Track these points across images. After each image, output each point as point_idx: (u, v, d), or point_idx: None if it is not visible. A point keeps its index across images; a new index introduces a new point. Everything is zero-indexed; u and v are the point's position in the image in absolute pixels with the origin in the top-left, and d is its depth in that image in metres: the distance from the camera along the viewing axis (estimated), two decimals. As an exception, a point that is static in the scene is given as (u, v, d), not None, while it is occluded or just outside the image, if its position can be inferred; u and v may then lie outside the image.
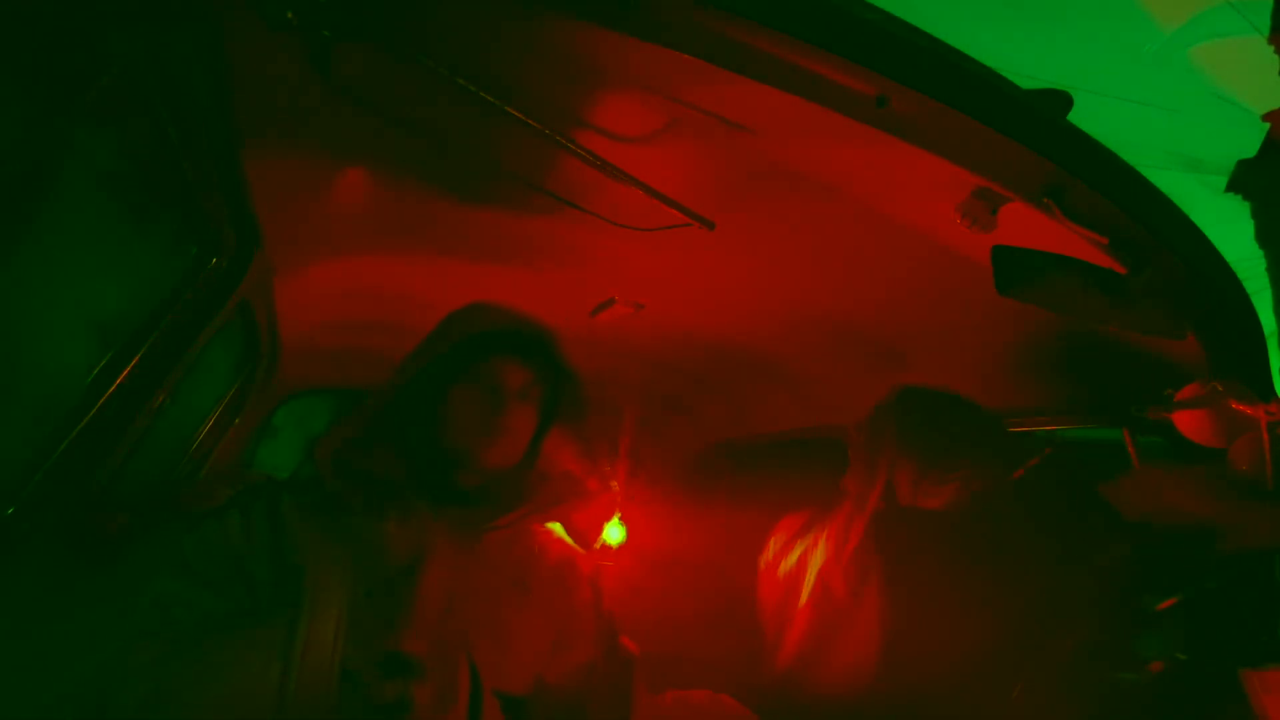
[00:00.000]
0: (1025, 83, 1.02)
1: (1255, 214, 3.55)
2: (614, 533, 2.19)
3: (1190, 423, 1.28)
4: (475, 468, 1.05)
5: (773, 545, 1.72)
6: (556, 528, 1.18)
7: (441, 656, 0.94)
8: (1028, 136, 0.96)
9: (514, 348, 1.07)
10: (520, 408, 1.07)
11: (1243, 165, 3.55)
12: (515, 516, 1.08)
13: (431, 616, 0.96)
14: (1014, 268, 1.12)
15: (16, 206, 0.86)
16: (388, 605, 0.94)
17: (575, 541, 1.19)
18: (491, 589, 1.04)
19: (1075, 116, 1.05)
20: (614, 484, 1.14)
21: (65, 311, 1.10)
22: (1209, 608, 1.37)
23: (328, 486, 1.01)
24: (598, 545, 2.15)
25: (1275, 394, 1.22)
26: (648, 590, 2.02)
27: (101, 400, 1.22)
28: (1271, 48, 3.53)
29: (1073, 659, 1.35)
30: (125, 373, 1.26)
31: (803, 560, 1.63)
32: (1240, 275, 1.23)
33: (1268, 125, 3.53)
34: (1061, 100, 1.06)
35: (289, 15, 0.85)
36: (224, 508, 0.99)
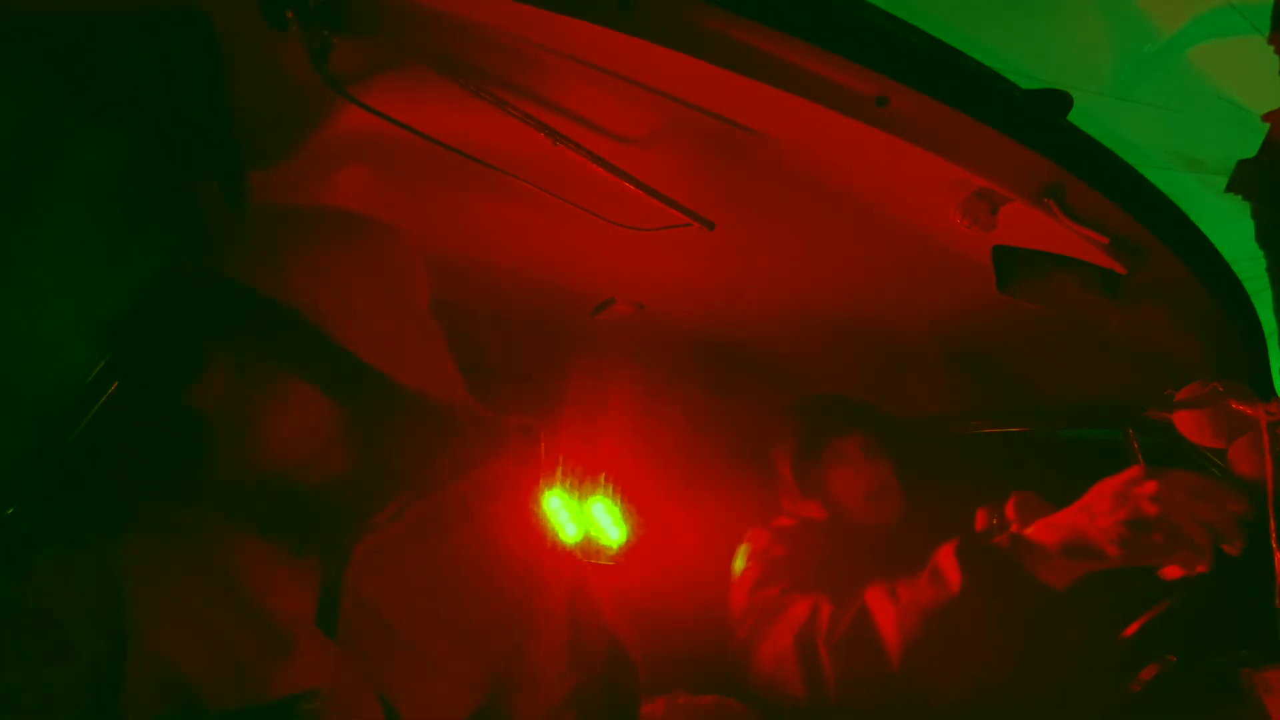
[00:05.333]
0: (1025, 83, 1.02)
1: (1255, 214, 3.56)
2: (613, 532, 2.18)
3: (1190, 423, 1.28)
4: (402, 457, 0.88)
5: (743, 556, 1.75)
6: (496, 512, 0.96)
7: (341, 697, 0.78)
8: (1028, 136, 0.96)
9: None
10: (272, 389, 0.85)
11: (1243, 165, 3.56)
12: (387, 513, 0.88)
13: (314, 638, 0.80)
14: (1014, 268, 1.13)
15: (16, 206, 0.85)
16: (248, 634, 0.78)
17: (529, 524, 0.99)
18: (394, 603, 0.85)
19: (1075, 116, 1.05)
20: (526, 424, 0.97)
21: (65, 311, 1.10)
22: (1208, 608, 1.37)
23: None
24: (586, 543, 2.13)
25: (1275, 394, 1.22)
26: (651, 590, 2.01)
27: (101, 400, 1.21)
28: (1271, 48, 3.54)
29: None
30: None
31: (776, 571, 1.65)
32: (1240, 275, 1.23)
33: (1268, 125, 3.53)
34: (1061, 100, 1.06)
35: (289, 15, 0.85)
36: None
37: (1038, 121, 0.99)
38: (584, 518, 2.17)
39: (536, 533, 1.00)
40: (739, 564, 1.72)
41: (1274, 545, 1.11)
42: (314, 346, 0.84)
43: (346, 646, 0.81)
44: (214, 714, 0.74)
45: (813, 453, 1.79)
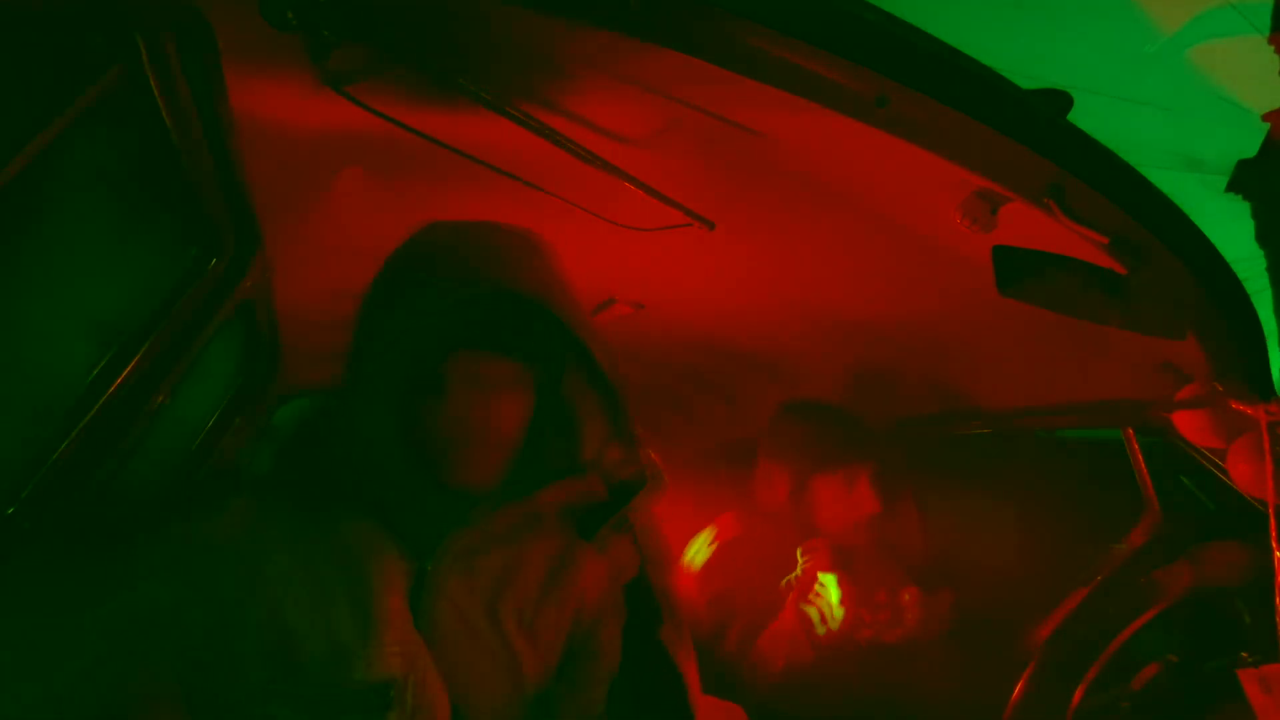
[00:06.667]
0: (1025, 83, 1.02)
1: (1255, 214, 3.56)
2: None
3: (1190, 423, 1.28)
4: (455, 476, 0.88)
5: (698, 546, 1.79)
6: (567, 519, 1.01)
7: (416, 683, 0.84)
8: (1028, 136, 0.96)
9: (482, 337, 0.87)
10: (504, 401, 0.88)
11: (1243, 165, 3.56)
12: (509, 514, 0.93)
13: (406, 636, 0.85)
14: (1014, 268, 1.13)
15: (16, 206, 0.85)
16: (360, 621, 0.83)
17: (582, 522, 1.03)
18: (470, 606, 0.91)
19: (1075, 116, 1.05)
20: (656, 462, 1.02)
21: (65, 312, 1.10)
22: (1208, 608, 1.37)
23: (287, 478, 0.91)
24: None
25: (1275, 394, 1.22)
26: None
27: (101, 400, 1.21)
28: (1271, 48, 3.53)
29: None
30: (125, 373, 1.26)
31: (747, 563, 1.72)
32: (1240, 275, 1.23)
33: (1268, 125, 3.53)
34: (1061, 100, 1.06)
35: (289, 15, 0.85)
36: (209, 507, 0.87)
37: (1038, 121, 0.98)
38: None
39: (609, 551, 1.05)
40: (698, 553, 1.77)
41: (1274, 545, 1.11)
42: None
43: (428, 639, 0.87)
44: (301, 685, 0.79)
45: (801, 485, 1.81)
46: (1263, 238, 3.53)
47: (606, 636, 1.01)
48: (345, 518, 0.89)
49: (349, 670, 0.80)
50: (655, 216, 1.34)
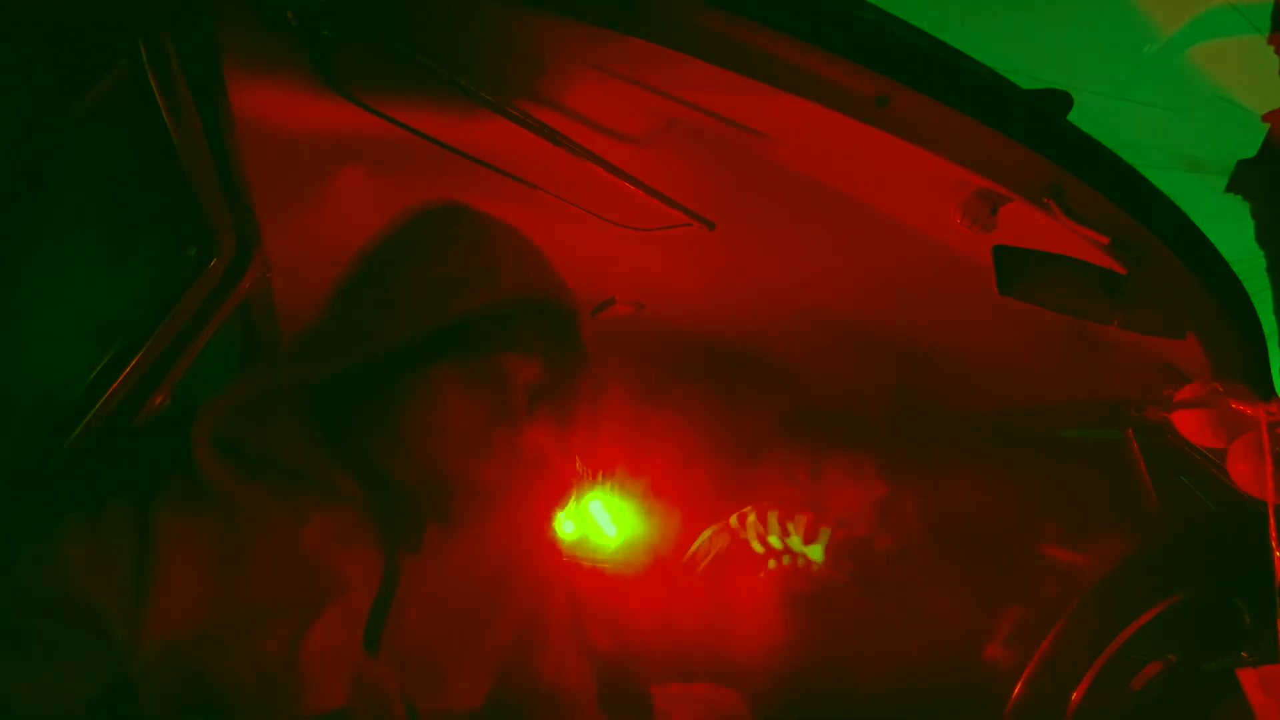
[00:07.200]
0: (1025, 83, 1.02)
1: (1255, 214, 3.55)
2: (610, 530, 2.18)
3: (1190, 423, 1.28)
4: (442, 475, 0.80)
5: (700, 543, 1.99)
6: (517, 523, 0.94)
7: (368, 700, 0.76)
8: (1028, 136, 0.96)
9: (534, 340, 0.81)
10: (525, 413, 0.82)
11: (1243, 165, 3.55)
12: (476, 515, 0.85)
13: (352, 649, 0.77)
14: (1014, 268, 1.13)
15: (16, 207, 0.85)
16: (281, 639, 0.73)
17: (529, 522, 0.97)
18: (432, 606, 0.83)
19: (1075, 116, 1.05)
20: (581, 468, 0.96)
21: (65, 312, 1.10)
22: (1208, 608, 1.37)
23: (204, 475, 0.72)
24: (572, 540, 2.18)
25: (1275, 394, 1.22)
26: (646, 585, 2.03)
27: (101, 400, 1.21)
28: (1271, 48, 3.53)
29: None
30: (125, 373, 1.26)
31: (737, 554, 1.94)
32: (1240, 275, 1.23)
33: (1268, 125, 3.53)
34: (1061, 100, 1.06)
35: (289, 15, 0.85)
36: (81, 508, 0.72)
37: (1038, 121, 0.98)
38: (582, 517, 2.17)
39: (547, 542, 1.01)
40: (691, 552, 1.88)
41: (1274, 545, 1.11)
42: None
43: (387, 654, 0.79)
44: None
45: (817, 471, 2.05)
46: (1263, 238, 3.52)
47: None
48: (295, 511, 0.76)
49: (284, 708, 0.72)
50: (655, 216, 1.34)
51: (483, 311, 0.77)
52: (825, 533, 1.86)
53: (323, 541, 0.77)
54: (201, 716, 0.71)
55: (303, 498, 0.77)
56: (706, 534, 2.07)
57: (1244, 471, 1.20)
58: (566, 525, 2.14)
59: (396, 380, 0.78)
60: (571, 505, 2.17)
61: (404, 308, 0.77)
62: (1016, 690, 1.30)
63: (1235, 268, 1.22)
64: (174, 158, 1.11)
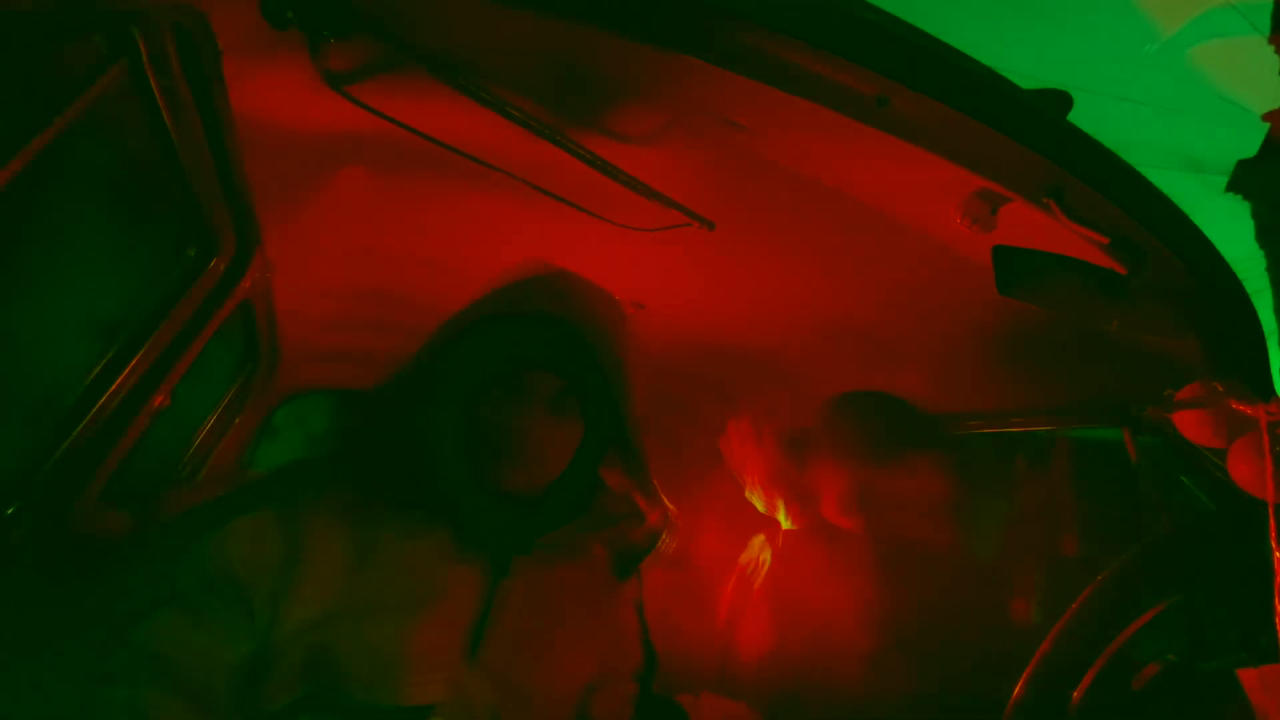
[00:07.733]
0: (1025, 83, 1.02)
1: (1255, 214, 3.56)
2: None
3: (1190, 423, 1.28)
4: (496, 484, 0.93)
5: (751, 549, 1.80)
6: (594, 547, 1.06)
7: (460, 702, 0.85)
8: (1028, 136, 0.96)
9: (546, 355, 0.94)
10: (551, 421, 0.94)
11: (1243, 165, 3.56)
12: (556, 536, 0.97)
13: (452, 653, 0.86)
14: (1014, 268, 1.12)
15: (17, 206, 0.85)
16: (407, 641, 0.84)
17: (619, 564, 1.08)
18: (521, 622, 0.92)
19: (1075, 116, 1.05)
20: (666, 502, 1.08)
21: (65, 311, 1.10)
22: (1208, 608, 1.37)
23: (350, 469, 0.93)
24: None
25: (1275, 394, 1.22)
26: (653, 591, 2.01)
27: (101, 400, 1.21)
28: (1271, 48, 3.53)
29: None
30: (125, 373, 1.26)
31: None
32: (1240, 275, 1.23)
33: (1268, 125, 3.53)
34: (1061, 100, 1.06)
35: (289, 15, 0.85)
36: (240, 510, 0.89)
37: (1038, 121, 0.98)
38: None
39: (629, 588, 1.10)
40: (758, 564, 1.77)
41: (1274, 545, 1.11)
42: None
43: (482, 662, 0.88)
44: (337, 698, 0.80)
45: (881, 463, 1.71)
46: (1263, 238, 3.53)
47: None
48: (410, 528, 0.90)
49: (387, 693, 0.81)
50: (655, 216, 1.34)
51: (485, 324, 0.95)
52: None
53: (427, 555, 0.89)
54: (319, 687, 0.81)
55: (411, 519, 0.91)
56: (757, 542, 1.87)
57: (1244, 471, 1.20)
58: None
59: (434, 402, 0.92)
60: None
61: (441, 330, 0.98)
62: (1017, 690, 1.29)
63: (1235, 268, 1.22)
64: (174, 157, 1.11)
